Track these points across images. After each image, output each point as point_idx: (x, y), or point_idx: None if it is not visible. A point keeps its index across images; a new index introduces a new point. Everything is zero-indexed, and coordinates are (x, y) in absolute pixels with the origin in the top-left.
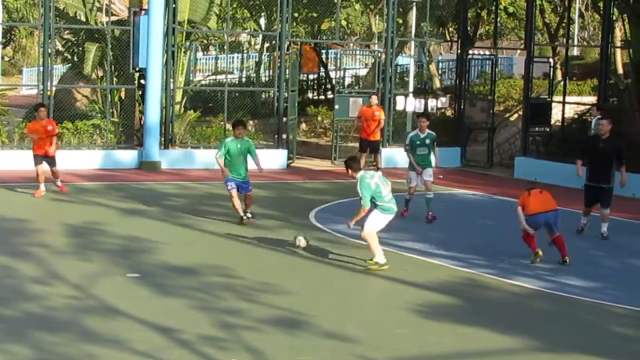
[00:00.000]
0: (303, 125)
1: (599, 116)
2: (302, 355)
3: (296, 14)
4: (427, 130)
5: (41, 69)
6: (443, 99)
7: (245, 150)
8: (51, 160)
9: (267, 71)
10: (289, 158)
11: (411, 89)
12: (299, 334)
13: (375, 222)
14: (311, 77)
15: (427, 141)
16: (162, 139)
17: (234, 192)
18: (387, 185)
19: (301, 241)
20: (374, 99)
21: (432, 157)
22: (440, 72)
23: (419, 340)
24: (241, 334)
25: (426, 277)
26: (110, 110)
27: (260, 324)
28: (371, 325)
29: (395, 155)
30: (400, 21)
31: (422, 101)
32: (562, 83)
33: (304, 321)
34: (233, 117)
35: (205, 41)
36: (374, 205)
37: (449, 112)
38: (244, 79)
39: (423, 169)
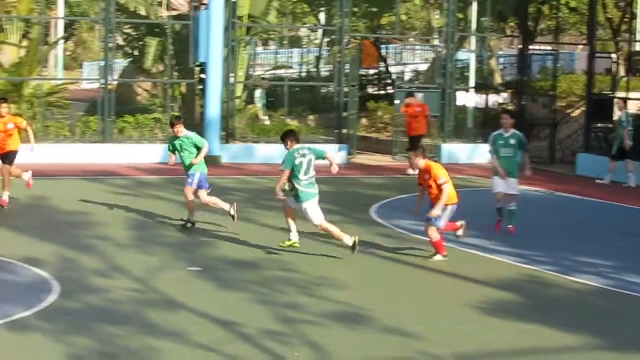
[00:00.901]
0: (363, 121)
1: (627, 110)
2: (363, 350)
3: (356, 9)
4: (512, 130)
5: (102, 63)
6: (504, 95)
7: (182, 146)
8: (10, 156)
9: (327, 66)
10: (349, 153)
11: (472, 84)
12: (360, 329)
13: (317, 213)
14: (371, 72)
15: (513, 141)
16: (223, 133)
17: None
18: (310, 171)
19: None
20: (414, 100)
21: (525, 161)
22: (501, 67)
23: (481, 337)
24: (302, 329)
25: (488, 274)
26: (171, 105)
27: (322, 319)
28: (432, 322)
29: (456, 152)
30: (461, 16)
31: (483, 97)
32: (625, 79)
33: (365, 316)
34: (294, 112)
35: (265, 36)
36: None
37: (510, 108)
38: (303, 74)
39: (508, 174)
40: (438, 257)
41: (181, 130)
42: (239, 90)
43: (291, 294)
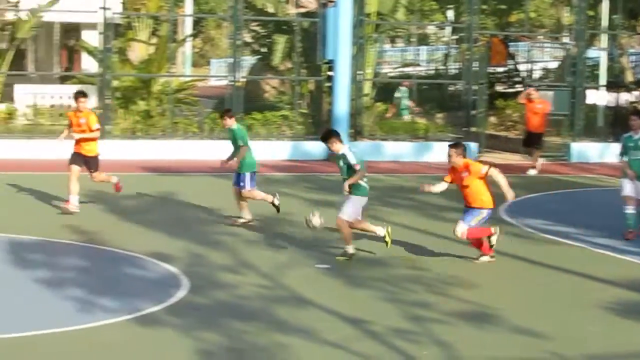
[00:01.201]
0: (492, 119)
1: None
2: (491, 349)
3: (485, 6)
4: None
5: (230, 60)
6: (636, 93)
7: (232, 139)
8: (90, 162)
9: (455, 63)
10: (477, 152)
11: (602, 82)
12: (488, 328)
13: (354, 210)
14: (500, 69)
15: None
16: (351, 130)
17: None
18: None
19: (315, 219)
20: (535, 94)
21: None
22: (632, 65)
23: (611, 339)
24: (430, 327)
25: (618, 275)
26: (299, 102)
27: (450, 317)
28: (561, 322)
29: (586, 151)
30: (591, 13)
31: (614, 95)
32: None
33: (492, 315)
34: (421, 109)
35: (392, 33)
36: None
37: None
38: (431, 72)
39: (637, 177)
40: (494, 238)
41: (228, 123)
42: (367, 88)
43: (419, 292)
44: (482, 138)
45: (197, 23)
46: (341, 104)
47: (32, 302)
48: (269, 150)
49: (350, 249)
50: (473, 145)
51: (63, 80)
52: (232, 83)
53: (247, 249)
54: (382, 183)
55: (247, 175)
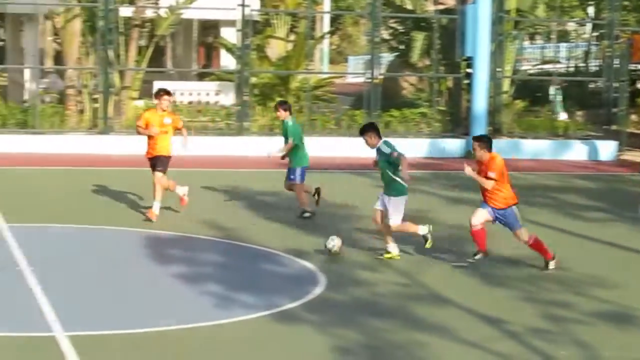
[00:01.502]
0: (633, 117)
1: None
2: (632, 351)
3: (626, 2)
4: None
5: (368, 57)
6: None
7: (284, 132)
8: (161, 161)
9: (595, 60)
10: (618, 150)
11: None
12: (630, 329)
13: (399, 213)
14: None
15: None
16: (489, 128)
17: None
18: None
19: (334, 243)
20: None
21: None
22: None
23: None
24: (569, 327)
25: None
26: (437, 99)
27: (589, 318)
28: None
29: None
30: None
31: None
32: None
33: (634, 316)
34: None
35: (532, 30)
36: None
37: None
38: (571, 69)
39: None
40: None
41: (281, 115)
42: (506, 85)
43: (558, 291)
44: (623, 136)
45: (334, 20)
46: (480, 101)
47: (170, 297)
48: (406, 148)
49: (424, 230)
50: (613, 144)
51: (201, 77)
52: (370, 80)
53: (383, 246)
54: (521, 181)
55: (298, 170)
